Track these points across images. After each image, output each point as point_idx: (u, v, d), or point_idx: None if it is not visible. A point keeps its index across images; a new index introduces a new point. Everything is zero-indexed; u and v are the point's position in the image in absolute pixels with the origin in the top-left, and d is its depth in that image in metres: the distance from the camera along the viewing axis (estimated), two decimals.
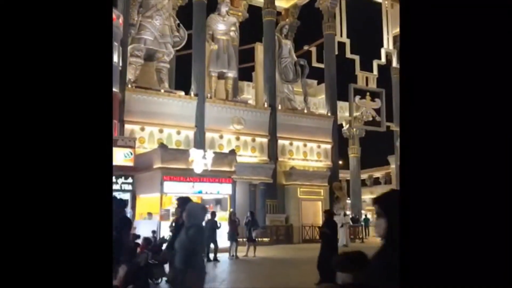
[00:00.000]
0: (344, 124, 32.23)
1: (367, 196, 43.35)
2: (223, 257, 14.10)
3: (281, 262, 14.57)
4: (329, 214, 10.22)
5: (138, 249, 9.20)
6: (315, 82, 30.76)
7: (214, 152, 17.35)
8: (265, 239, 20.68)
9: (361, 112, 29.36)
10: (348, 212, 26.27)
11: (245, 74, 28.76)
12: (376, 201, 2.15)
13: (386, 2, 30.43)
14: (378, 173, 47.50)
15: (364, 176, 49.39)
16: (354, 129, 34.77)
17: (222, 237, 14.60)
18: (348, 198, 36.96)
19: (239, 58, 27.30)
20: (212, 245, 13.63)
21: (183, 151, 17.28)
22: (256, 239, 15.88)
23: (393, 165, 37.44)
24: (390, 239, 2.00)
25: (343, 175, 41.26)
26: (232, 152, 18.33)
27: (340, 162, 39.70)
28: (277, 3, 28.33)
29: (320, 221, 23.08)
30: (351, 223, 23.14)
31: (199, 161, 16.45)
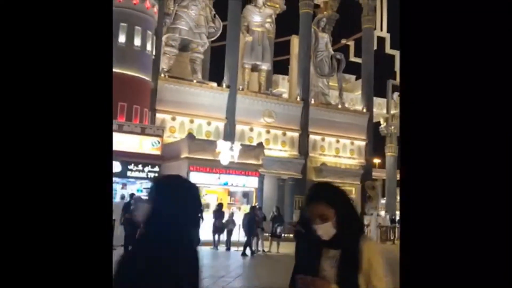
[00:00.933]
0: (381, 122, 31.25)
1: None
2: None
3: None
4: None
5: None
6: (353, 77, 29.92)
7: (242, 144, 17.15)
8: (292, 235, 20.33)
9: (399, 110, 28.35)
10: (381, 213, 25.49)
11: (281, 67, 28.36)
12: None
13: None
14: None
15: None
16: (392, 127, 33.72)
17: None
18: (383, 198, 36.02)
19: (275, 51, 27.01)
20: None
21: (210, 142, 17.19)
22: (281, 235, 15.57)
23: None
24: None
25: (379, 174, 40.16)
26: (260, 145, 18.07)
27: (378, 161, 38.75)
28: None
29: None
30: (389, 224, 22.26)
31: (226, 152, 16.30)
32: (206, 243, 14.54)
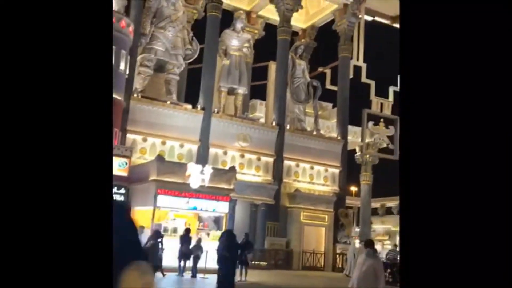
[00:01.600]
0: (357, 150, 31.35)
1: (378, 226, 42.04)
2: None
3: None
4: (230, 234, 8.85)
5: None
6: (330, 105, 30.12)
7: (213, 168, 16.78)
8: (263, 263, 19.85)
9: (374, 139, 28.53)
10: (356, 241, 25.23)
11: (259, 92, 28.38)
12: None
13: None
14: (391, 203, 45.97)
15: (376, 204, 48.00)
16: (367, 156, 33.88)
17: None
18: (357, 227, 35.85)
19: (253, 76, 27.06)
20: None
21: (180, 164, 16.78)
22: (249, 262, 15.09)
23: None
24: None
25: (354, 202, 40.19)
26: (232, 169, 17.73)
27: (354, 189, 38.67)
28: (295, 23, 28.08)
29: (322, 247, 22.19)
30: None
31: (197, 176, 15.89)
32: (171, 269, 13.97)
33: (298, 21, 28.39)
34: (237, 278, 14.14)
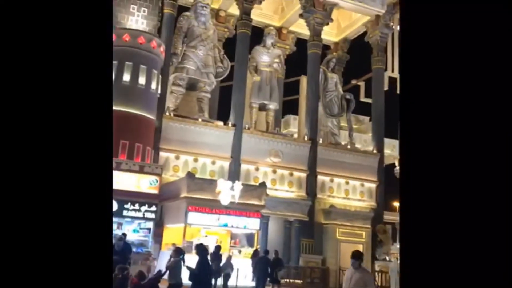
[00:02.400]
0: (396, 164, 30.43)
1: None
2: None
3: None
4: (201, 249, 8.31)
5: (129, 282, 8.58)
6: (367, 118, 29.48)
7: (243, 184, 16.62)
8: (298, 281, 19.35)
9: None
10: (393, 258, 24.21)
11: (292, 108, 28.19)
12: None
13: None
14: None
15: None
16: None
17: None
18: (397, 243, 34.41)
19: (285, 91, 26.97)
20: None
21: (210, 181, 16.73)
22: (280, 280, 14.71)
23: None
24: None
25: (394, 217, 38.78)
26: (263, 185, 17.51)
27: (397, 204, 37.34)
28: (327, 37, 27.91)
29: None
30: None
31: (227, 192, 15.78)
32: None
33: (330, 34, 28.18)
34: None
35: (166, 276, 8.86)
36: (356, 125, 29.03)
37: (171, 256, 9.29)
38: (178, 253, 9.02)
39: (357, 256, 5.53)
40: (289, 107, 28.17)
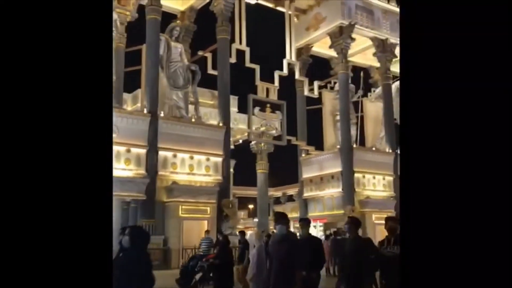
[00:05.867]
0: (249, 138, 30.28)
1: None
2: None
3: None
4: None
5: None
6: (216, 92, 28.67)
7: None
8: None
9: (261, 124, 27.66)
10: (249, 232, 24.07)
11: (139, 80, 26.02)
12: None
13: (290, 12, 29.23)
14: (292, 191, 46.08)
15: (278, 193, 47.86)
16: (262, 144, 33.11)
17: None
18: (255, 217, 34.91)
19: (128, 61, 24.82)
20: None
21: None
22: None
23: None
24: None
25: (252, 192, 39.45)
26: None
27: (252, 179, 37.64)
28: (172, 5, 26.25)
29: None
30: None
31: None
32: None
33: (176, 3, 26.58)
34: None
35: None
36: (212, 101, 28.12)
37: None
38: None
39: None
40: (137, 79, 26.01)
